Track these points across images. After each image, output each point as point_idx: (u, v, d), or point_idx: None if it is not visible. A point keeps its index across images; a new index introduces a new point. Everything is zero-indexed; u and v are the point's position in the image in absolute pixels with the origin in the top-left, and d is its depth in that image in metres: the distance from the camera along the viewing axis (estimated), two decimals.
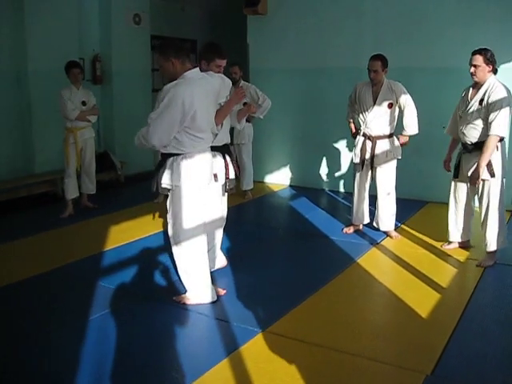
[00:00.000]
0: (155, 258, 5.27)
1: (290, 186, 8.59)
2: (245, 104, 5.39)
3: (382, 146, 5.68)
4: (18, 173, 7.76)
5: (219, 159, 4.37)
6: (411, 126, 5.68)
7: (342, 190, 8.13)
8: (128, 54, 8.94)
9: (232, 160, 4.53)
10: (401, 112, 5.69)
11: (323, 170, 8.30)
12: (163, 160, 4.00)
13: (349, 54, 7.74)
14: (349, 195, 7.58)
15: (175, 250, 4.13)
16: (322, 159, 8.28)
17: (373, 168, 5.76)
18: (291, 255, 5.52)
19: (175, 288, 4.48)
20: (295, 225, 6.54)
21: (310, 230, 6.22)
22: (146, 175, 8.74)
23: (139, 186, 8.35)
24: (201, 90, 3.91)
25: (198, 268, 4.11)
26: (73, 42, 8.29)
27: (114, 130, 9.11)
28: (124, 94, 9.09)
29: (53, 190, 7.46)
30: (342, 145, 8.00)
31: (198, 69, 4.04)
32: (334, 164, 8.16)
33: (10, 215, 6.86)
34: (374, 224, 5.96)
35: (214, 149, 4.27)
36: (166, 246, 5.50)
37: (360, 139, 5.78)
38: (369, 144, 5.71)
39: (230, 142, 4.62)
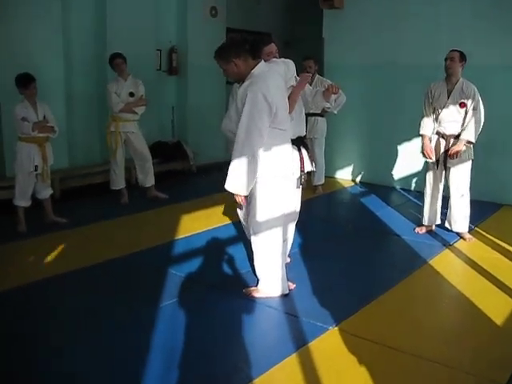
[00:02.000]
0: (225, 249, 5.32)
1: (361, 182, 8.49)
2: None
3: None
4: (94, 159, 8.01)
5: (295, 152, 4.34)
6: (468, 131, 5.41)
7: (413, 188, 7.96)
8: (204, 46, 8.97)
9: (308, 153, 4.48)
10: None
11: (395, 168, 8.16)
12: None
13: (425, 51, 7.54)
14: (420, 194, 7.44)
15: (254, 239, 4.17)
16: (393, 157, 8.14)
17: (446, 168, 5.63)
18: (362, 252, 5.43)
19: (245, 280, 4.52)
20: (366, 222, 6.45)
21: (381, 228, 6.14)
22: (218, 166, 8.87)
23: (211, 176, 8.45)
24: (274, 82, 3.91)
25: (273, 260, 4.14)
26: (150, 33, 8.46)
27: (187, 120, 9.26)
28: (198, 86, 9.21)
29: (126, 176, 7.59)
30: (414, 143, 7.75)
31: (262, 61, 4.03)
32: (406, 162, 7.99)
33: (85, 200, 7.09)
34: (447, 224, 5.81)
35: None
36: (236, 237, 5.59)
37: (434, 137, 5.64)
38: (443, 143, 5.57)
39: (304, 134, 4.57)
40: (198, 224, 6.07)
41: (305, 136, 4.63)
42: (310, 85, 6.37)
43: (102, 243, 5.47)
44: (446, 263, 5.14)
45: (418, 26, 7.65)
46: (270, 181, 3.99)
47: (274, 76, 3.97)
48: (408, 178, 8.03)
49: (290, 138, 4.21)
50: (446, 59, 5.45)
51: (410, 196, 7.66)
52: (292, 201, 4.40)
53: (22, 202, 5.75)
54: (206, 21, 9.23)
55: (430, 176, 5.77)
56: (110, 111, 6.93)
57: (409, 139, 7.85)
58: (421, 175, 7.56)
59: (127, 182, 7.24)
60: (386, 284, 4.52)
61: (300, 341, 3.56)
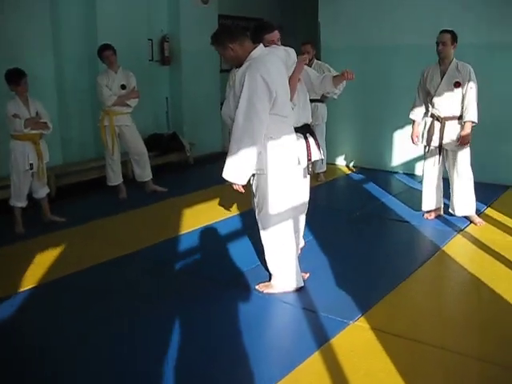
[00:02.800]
0: (232, 243, 5.14)
1: (363, 168, 8.30)
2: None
3: (453, 128, 5.38)
4: (89, 155, 7.79)
5: (301, 141, 4.12)
6: (470, 112, 5.24)
7: (416, 172, 7.79)
8: (196, 34, 8.77)
9: (315, 140, 4.27)
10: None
11: (396, 153, 8.00)
12: None
13: (424, 32, 7.31)
14: None
15: (263, 235, 3.98)
16: (394, 141, 7.97)
17: (445, 151, 5.50)
18: (373, 240, 5.28)
19: (256, 275, 4.34)
20: (373, 209, 6.28)
21: (389, 215, 5.98)
22: (215, 156, 8.74)
23: (209, 168, 8.27)
24: (273, 66, 3.72)
25: (285, 254, 3.96)
26: (141, 22, 8.25)
27: (183, 110, 9.04)
28: (192, 75, 9.00)
29: (123, 171, 7.33)
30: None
31: (261, 45, 3.83)
32: (407, 146, 7.75)
33: (82, 197, 6.88)
34: (450, 210, 5.68)
35: (296, 130, 4.05)
36: (242, 230, 5.45)
37: (428, 121, 5.53)
38: (437, 126, 5.44)
39: (310, 121, 4.35)
40: (201, 218, 5.89)
41: None
42: None
43: (103, 242, 5.28)
44: (459, 249, 5.01)
45: (417, 6, 7.47)
46: (274, 172, 3.80)
47: (273, 59, 3.77)
48: (410, 163, 7.87)
49: (296, 126, 4.03)
50: (437, 43, 5.31)
51: (415, 181, 7.49)
52: (300, 191, 4.23)
53: (19, 202, 5.55)
54: (197, 8, 8.97)
55: (427, 161, 5.68)
56: (102, 105, 6.70)
57: (409, 122, 7.61)
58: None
59: (124, 177, 7.03)
60: (401, 273, 4.37)
61: (321, 338, 3.41)
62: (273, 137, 3.74)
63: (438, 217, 5.79)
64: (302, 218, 4.42)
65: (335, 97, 6.91)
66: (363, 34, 7.96)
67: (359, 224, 5.79)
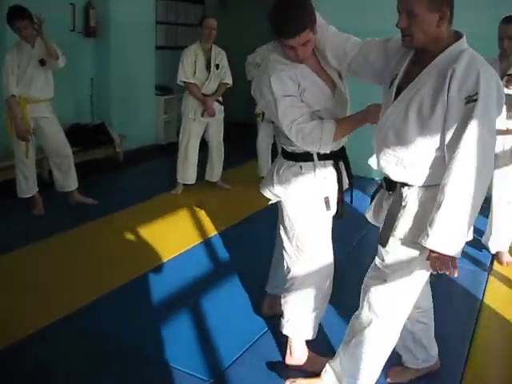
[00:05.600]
0: (209, 296, 3.66)
1: None
2: None
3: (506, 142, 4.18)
4: None
5: (333, 172, 2.82)
6: None
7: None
8: (128, 2, 7.19)
9: (347, 169, 2.93)
10: None
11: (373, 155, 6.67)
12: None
13: None
14: None
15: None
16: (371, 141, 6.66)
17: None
18: None
19: (275, 371, 2.92)
20: (372, 234, 4.74)
21: None
22: (148, 151, 7.39)
23: (143, 168, 6.79)
24: None
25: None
26: None
27: (111, 95, 7.42)
28: (123, 51, 7.40)
29: (38, 172, 5.61)
30: None
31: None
32: None
33: None
34: (484, 242, 4.54)
35: (326, 157, 2.74)
36: (219, 271, 3.99)
37: None
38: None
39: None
40: (150, 251, 4.37)
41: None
42: None
43: (13, 298, 3.58)
44: (504, 299, 3.83)
45: None
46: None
47: None
48: None
49: (335, 149, 2.76)
50: (500, 37, 4.01)
51: None
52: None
53: None
54: None
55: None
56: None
57: None
58: None
59: (38, 179, 5.35)
60: (455, 357, 3.09)
61: None
62: None
63: None
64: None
65: None
66: (361, 16, 6.42)
67: (361, 260, 4.40)
